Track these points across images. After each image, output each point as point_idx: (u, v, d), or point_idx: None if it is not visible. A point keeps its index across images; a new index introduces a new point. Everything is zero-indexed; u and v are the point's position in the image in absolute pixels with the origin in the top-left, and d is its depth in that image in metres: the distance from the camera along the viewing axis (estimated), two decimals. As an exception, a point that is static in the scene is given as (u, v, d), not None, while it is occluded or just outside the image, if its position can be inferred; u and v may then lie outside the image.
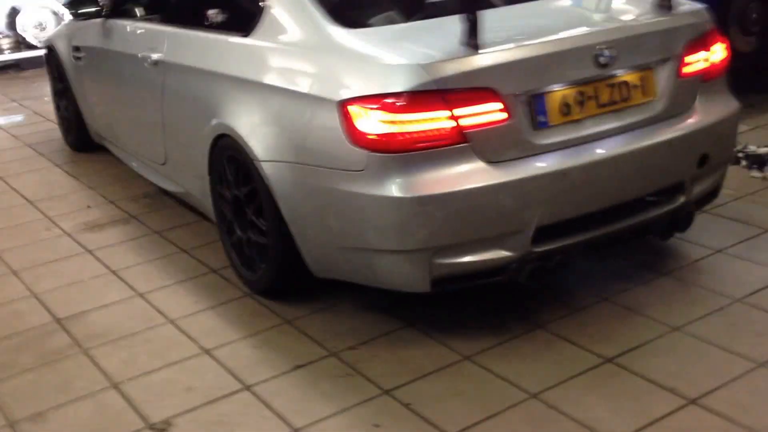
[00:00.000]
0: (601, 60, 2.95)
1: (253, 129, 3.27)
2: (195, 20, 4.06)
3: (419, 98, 2.71)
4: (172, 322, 3.50)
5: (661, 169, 3.15)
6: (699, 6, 3.35)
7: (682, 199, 3.22)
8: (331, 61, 3.04)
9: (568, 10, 3.49)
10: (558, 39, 2.98)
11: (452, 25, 2.85)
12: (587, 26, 3.11)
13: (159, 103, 4.09)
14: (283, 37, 3.30)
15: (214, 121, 3.51)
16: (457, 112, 2.74)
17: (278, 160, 3.14)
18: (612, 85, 3.04)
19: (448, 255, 2.85)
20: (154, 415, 2.88)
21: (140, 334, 3.43)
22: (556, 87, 2.92)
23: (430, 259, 2.84)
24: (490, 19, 2.92)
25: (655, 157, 3.10)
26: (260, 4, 3.44)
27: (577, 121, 2.97)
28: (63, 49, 5.52)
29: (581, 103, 2.98)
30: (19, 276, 4.04)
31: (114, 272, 4.00)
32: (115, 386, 3.07)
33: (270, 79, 3.26)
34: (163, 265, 4.03)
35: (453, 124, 2.75)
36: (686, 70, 3.20)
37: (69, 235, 4.49)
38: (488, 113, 2.79)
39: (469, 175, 2.78)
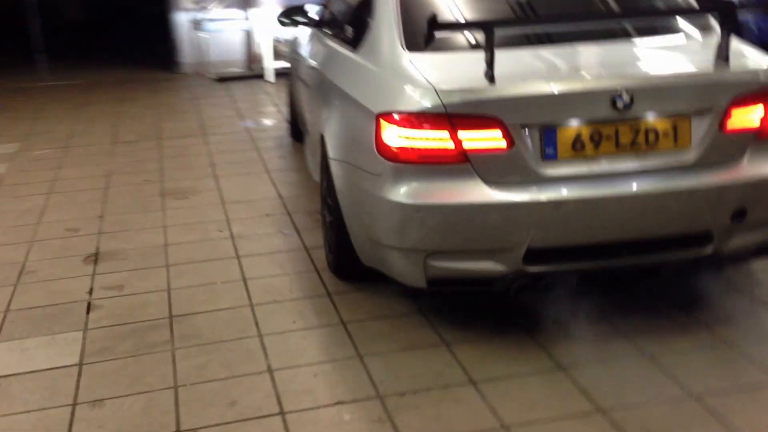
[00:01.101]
0: (618, 103, 3.07)
1: (330, 129, 3.87)
2: (341, 34, 4.47)
3: (428, 119, 3.08)
4: (259, 336, 3.58)
5: (681, 216, 3.21)
6: (760, 62, 3.35)
7: (709, 250, 3.26)
8: (387, 78, 3.44)
9: (603, 54, 3.54)
10: (571, 80, 3.21)
11: (500, 58, 3.11)
12: (609, 70, 3.34)
13: (314, 102, 4.63)
14: (370, 53, 3.70)
15: (319, 123, 4.14)
16: (461, 135, 3.07)
17: (338, 158, 3.70)
18: (636, 129, 3.14)
19: (443, 259, 3.20)
20: (185, 422, 2.99)
21: (226, 343, 3.54)
22: (568, 123, 3.10)
23: (425, 260, 3.20)
24: (522, 55, 3.38)
25: (672, 203, 3.17)
26: (368, 20, 3.80)
27: (591, 157, 3.13)
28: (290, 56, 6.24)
29: (597, 142, 3.13)
30: (168, 269, 4.36)
31: (245, 280, 4.16)
32: (175, 387, 3.20)
33: (348, 86, 3.76)
34: (290, 280, 4.15)
35: (456, 145, 3.08)
36: (731, 124, 3.20)
37: (233, 238, 4.74)
38: (489, 140, 3.08)
39: (465, 191, 3.10)
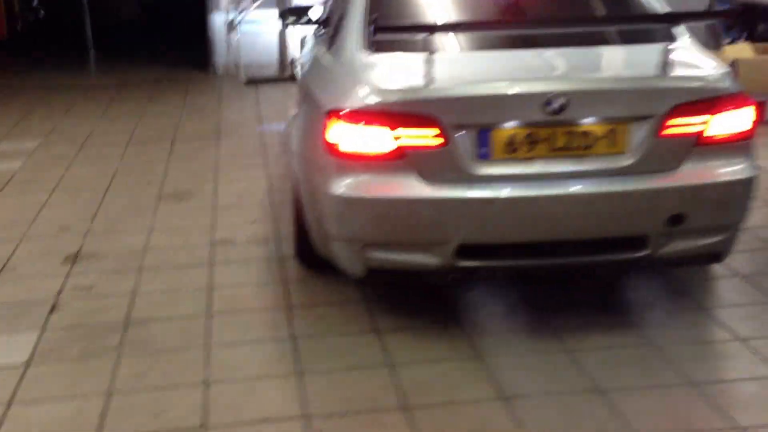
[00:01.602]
0: (551, 108, 3.13)
1: (295, 124, 4.08)
2: (323, 34, 4.57)
3: (369, 115, 3.19)
4: (207, 347, 3.55)
5: (615, 219, 3.26)
6: (706, 71, 3.37)
7: (643, 253, 3.31)
8: (342, 76, 3.56)
9: (548, 59, 3.59)
10: (506, 83, 3.26)
11: (447, 61, 3.37)
12: (546, 75, 3.41)
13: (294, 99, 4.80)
14: (336, 53, 3.79)
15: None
16: (398, 132, 3.17)
17: (297, 152, 3.89)
18: (571, 132, 3.20)
19: (380, 251, 3.32)
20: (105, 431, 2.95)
21: (172, 352, 3.54)
22: (502, 125, 3.19)
23: (364, 251, 3.33)
24: (470, 59, 3.58)
25: (606, 206, 3.23)
26: (342, 22, 3.86)
27: (524, 159, 3.21)
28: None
29: (531, 144, 3.20)
30: (140, 273, 4.36)
31: (211, 288, 4.14)
32: (108, 395, 3.19)
33: (313, 84, 3.90)
34: (255, 290, 4.12)
35: (394, 141, 3.18)
36: (669, 131, 3.22)
37: (213, 244, 4.74)
38: (425, 138, 3.17)
39: (401, 186, 3.22)
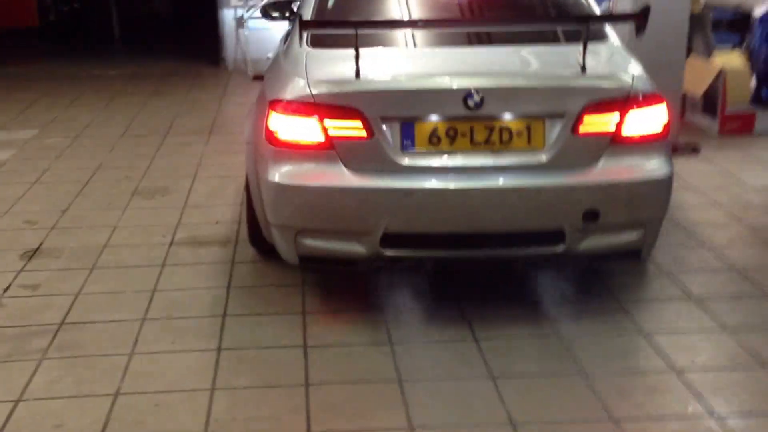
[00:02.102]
0: (470, 103, 3.23)
1: (248, 116, 4.12)
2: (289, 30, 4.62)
3: (300, 107, 3.34)
4: (130, 354, 3.45)
5: (532, 214, 3.34)
6: (619, 71, 3.50)
7: (561, 248, 3.38)
8: (285, 70, 3.70)
9: (474, 56, 3.74)
10: (427, 78, 3.43)
11: (376, 56, 3.54)
12: (467, 71, 3.46)
13: None
14: (287, 49, 3.96)
15: None
16: (326, 123, 3.32)
17: (247, 141, 3.96)
18: (491, 127, 3.30)
19: (311, 238, 3.45)
20: None
21: (94, 358, 3.46)
22: (425, 119, 3.30)
23: (296, 238, 3.45)
24: (396, 55, 3.74)
25: (523, 200, 3.32)
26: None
27: (446, 152, 3.32)
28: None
29: (452, 137, 3.31)
30: (91, 272, 4.31)
31: (154, 291, 4.07)
32: (17, 401, 3.13)
33: (266, 77, 4.11)
34: (196, 296, 4.05)
35: (322, 132, 3.33)
36: (584, 129, 3.31)
37: (170, 244, 4.66)
38: (351, 129, 3.30)
39: (326, 175, 3.34)
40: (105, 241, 4.75)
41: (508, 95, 3.34)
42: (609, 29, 3.82)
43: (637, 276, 4.12)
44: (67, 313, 3.86)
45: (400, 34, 3.79)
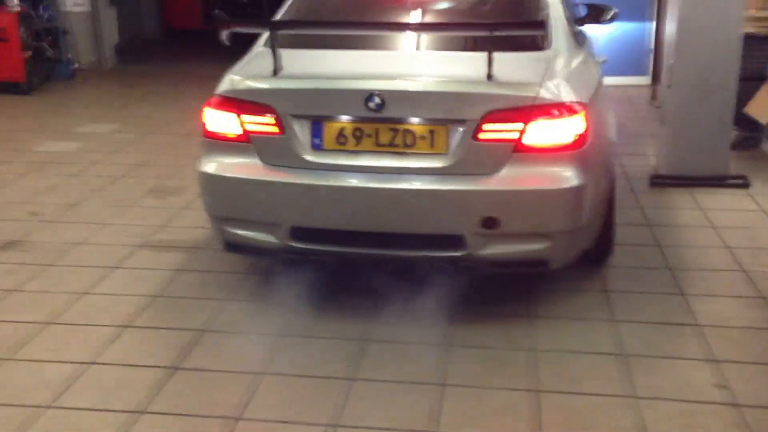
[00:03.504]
0: (371, 105, 3.28)
1: None
2: None
3: (224, 102, 3.51)
4: (8, 360, 3.26)
5: (431, 217, 3.35)
6: (525, 79, 3.37)
7: (461, 252, 3.37)
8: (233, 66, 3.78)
9: (385, 59, 3.76)
10: (332, 79, 3.50)
11: (297, 56, 3.64)
12: (371, 74, 3.48)
13: None
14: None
15: None
16: (243, 117, 3.46)
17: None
18: (395, 130, 3.35)
19: (233, 226, 3.60)
20: None
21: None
22: (333, 118, 3.38)
23: (221, 225, 3.62)
24: (313, 56, 3.76)
25: (422, 203, 3.33)
26: None
27: (353, 152, 3.39)
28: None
29: (358, 138, 3.37)
30: (44, 269, 4.20)
31: (84, 294, 3.90)
32: None
33: None
34: (116, 302, 3.81)
35: (240, 126, 3.48)
36: (484, 136, 3.28)
37: (141, 247, 4.48)
38: (264, 125, 3.44)
39: (243, 167, 3.49)
40: (83, 239, 4.64)
41: (406, 99, 3.33)
42: (559, 39, 3.72)
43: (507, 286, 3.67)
44: (-14, 308, 3.73)
45: (328, 37, 3.86)
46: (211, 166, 3.56)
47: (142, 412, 2.91)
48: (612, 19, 4.95)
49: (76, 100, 9.14)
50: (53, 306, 3.76)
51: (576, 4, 5.18)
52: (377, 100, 3.26)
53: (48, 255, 4.38)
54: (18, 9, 9.29)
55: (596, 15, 4.92)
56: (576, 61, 3.75)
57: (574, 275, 3.95)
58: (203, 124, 3.60)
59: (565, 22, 3.92)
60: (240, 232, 3.58)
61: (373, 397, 3.00)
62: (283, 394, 3.03)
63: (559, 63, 3.58)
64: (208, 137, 3.59)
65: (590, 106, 3.45)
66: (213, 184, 3.58)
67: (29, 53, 9.36)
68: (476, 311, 3.66)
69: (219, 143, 3.55)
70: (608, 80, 4.52)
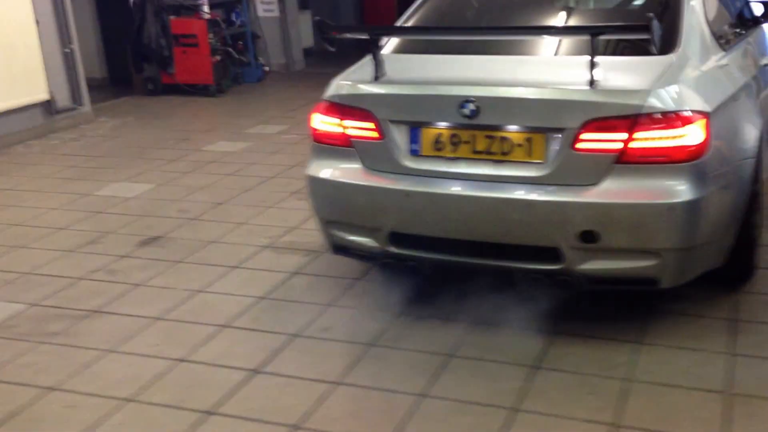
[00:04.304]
0: (465, 111, 3.24)
1: None
2: None
3: (329, 107, 3.60)
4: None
5: (527, 228, 3.22)
6: (629, 87, 3.19)
7: (558, 266, 3.24)
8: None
9: (473, 65, 3.63)
10: (429, 85, 3.46)
11: (401, 61, 3.75)
12: (464, 80, 3.43)
13: None
14: None
15: None
16: (345, 123, 3.53)
17: None
18: (491, 137, 3.27)
19: (339, 229, 3.65)
20: None
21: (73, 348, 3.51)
22: (430, 124, 3.36)
23: (328, 228, 3.69)
24: (421, 61, 3.81)
25: (518, 213, 3.21)
26: None
27: (450, 158, 3.34)
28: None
29: (455, 144, 3.33)
30: (174, 266, 4.41)
31: (198, 292, 4.04)
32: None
33: None
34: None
35: (343, 131, 3.54)
36: (583, 145, 3.13)
37: (266, 248, 4.60)
38: (364, 130, 3.48)
39: (346, 171, 3.55)
40: (216, 237, 4.82)
41: (501, 106, 3.26)
42: (690, 42, 3.46)
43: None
44: (106, 301, 3.99)
45: (443, 42, 3.84)
46: (317, 170, 3.64)
47: (210, 413, 2.97)
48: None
49: (257, 102, 9.55)
50: (168, 302, 3.94)
51: (747, 3, 4.77)
52: (471, 106, 3.22)
53: (181, 252, 4.60)
54: (208, 16, 9.86)
55: None
56: (707, 66, 3.48)
57: (698, 298, 3.61)
58: (312, 129, 3.67)
59: (701, 24, 3.63)
60: (345, 235, 3.63)
61: (438, 417, 2.89)
62: (348, 406, 3.00)
63: (682, 68, 3.34)
64: (316, 141, 3.68)
65: (716, 114, 3.21)
66: (319, 187, 3.66)
67: (218, 57, 9.90)
68: (577, 331, 3.44)
69: (325, 147, 3.63)
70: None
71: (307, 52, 12.29)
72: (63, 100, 8.21)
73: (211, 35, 9.79)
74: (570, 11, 3.99)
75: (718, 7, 4.00)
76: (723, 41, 3.80)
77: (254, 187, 5.86)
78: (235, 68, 10.46)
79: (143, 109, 9.19)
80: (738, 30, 4.22)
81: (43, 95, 7.89)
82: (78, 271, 4.40)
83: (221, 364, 3.34)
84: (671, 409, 2.87)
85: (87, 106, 8.57)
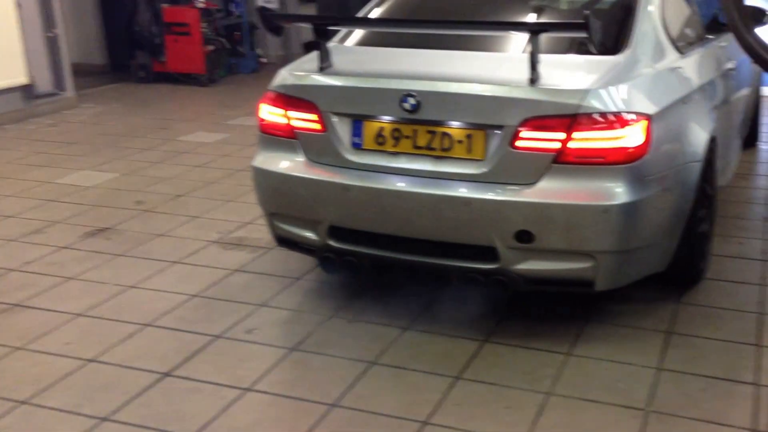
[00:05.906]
0: (405, 105, 3.16)
1: None
2: None
3: (275, 98, 3.52)
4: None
5: (464, 226, 3.15)
6: (570, 86, 3.08)
7: (494, 265, 3.16)
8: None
9: (418, 59, 3.52)
10: (371, 77, 3.38)
11: (347, 52, 3.71)
12: (405, 73, 3.33)
13: None
14: None
15: None
16: (289, 114, 3.46)
17: None
18: (432, 132, 3.19)
19: (283, 222, 3.58)
20: None
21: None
22: (372, 117, 3.29)
23: (272, 220, 3.63)
24: (369, 53, 3.76)
25: (455, 211, 3.14)
26: None
27: (391, 153, 3.27)
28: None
29: (396, 139, 3.25)
30: (115, 258, 4.24)
31: (129, 288, 3.86)
32: None
33: None
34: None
35: (287, 122, 3.47)
36: (522, 144, 3.05)
37: (214, 243, 4.40)
38: (307, 121, 3.41)
39: (288, 163, 3.48)
40: (165, 231, 4.63)
41: (441, 101, 3.16)
42: (642, 44, 3.35)
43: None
44: (31, 294, 3.82)
45: (397, 35, 3.76)
46: (262, 161, 3.58)
47: (104, 419, 2.78)
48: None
49: (247, 93, 9.33)
50: (95, 298, 3.76)
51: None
52: (412, 100, 3.15)
53: (125, 245, 4.42)
54: (202, 5, 9.68)
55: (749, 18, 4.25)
56: (657, 68, 3.37)
57: (640, 308, 3.40)
58: (260, 119, 3.61)
59: (656, 26, 3.50)
60: (288, 227, 3.57)
61: (341, 430, 2.67)
62: (253, 415, 2.80)
63: (629, 69, 3.24)
64: (263, 132, 3.61)
65: (660, 117, 3.11)
66: (263, 179, 3.59)
67: (210, 47, 9.72)
68: (510, 340, 3.28)
69: (271, 138, 3.57)
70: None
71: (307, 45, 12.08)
72: (44, 85, 8.06)
73: (204, 25, 9.61)
74: (527, 9, 3.84)
75: (680, 11, 3.87)
76: (681, 44, 3.65)
77: (219, 179, 5.68)
78: (229, 58, 10.27)
79: (130, 97, 9.04)
80: (706, 34, 4.09)
81: (22, 79, 7.74)
82: (12, 262, 4.22)
83: (132, 366, 3.14)
84: (584, 426, 2.66)
85: (71, 92, 8.42)
